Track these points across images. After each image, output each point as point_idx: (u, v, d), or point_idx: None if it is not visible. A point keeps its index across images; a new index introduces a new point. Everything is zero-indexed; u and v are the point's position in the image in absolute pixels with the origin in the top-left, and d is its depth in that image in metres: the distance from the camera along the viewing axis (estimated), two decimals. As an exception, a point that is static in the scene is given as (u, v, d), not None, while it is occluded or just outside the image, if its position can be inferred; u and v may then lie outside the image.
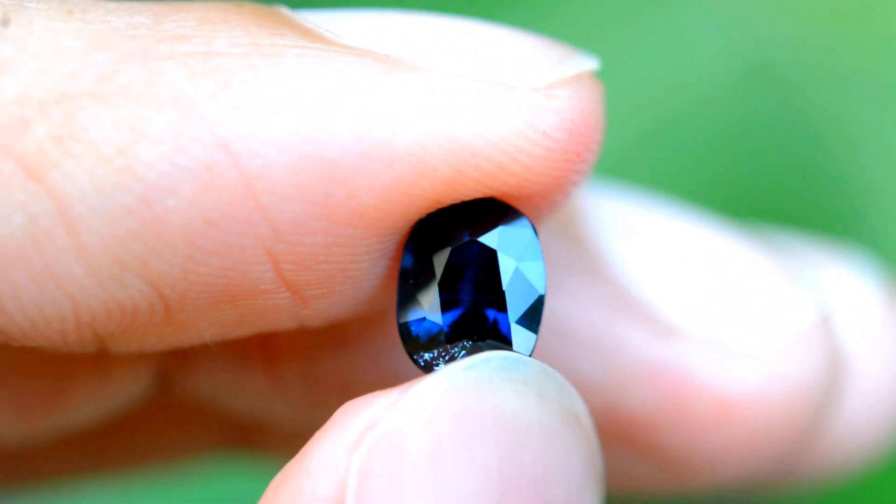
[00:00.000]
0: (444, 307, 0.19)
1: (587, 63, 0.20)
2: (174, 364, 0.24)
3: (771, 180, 0.49)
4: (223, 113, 0.18)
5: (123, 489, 0.29)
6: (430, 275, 0.20)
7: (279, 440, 0.27)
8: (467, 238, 0.20)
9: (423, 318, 0.20)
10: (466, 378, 0.18)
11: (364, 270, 0.19)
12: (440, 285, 0.19)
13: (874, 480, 0.45)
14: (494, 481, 0.18)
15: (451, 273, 0.19)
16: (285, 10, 0.20)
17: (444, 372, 0.18)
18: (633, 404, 0.22)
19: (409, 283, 0.20)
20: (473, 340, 0.20)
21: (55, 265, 0.18)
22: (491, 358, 0.18)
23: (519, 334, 0.20)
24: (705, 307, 0.23)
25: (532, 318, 0.20)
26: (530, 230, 0.20)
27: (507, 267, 0.20)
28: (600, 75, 0.21)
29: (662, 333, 0.23)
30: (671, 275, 0.24)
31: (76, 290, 0.18)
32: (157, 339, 0.20)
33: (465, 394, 0.18)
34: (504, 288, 0.20)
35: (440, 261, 0.20)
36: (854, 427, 0.26)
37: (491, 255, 0.20)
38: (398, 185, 0.19)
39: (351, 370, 0.24)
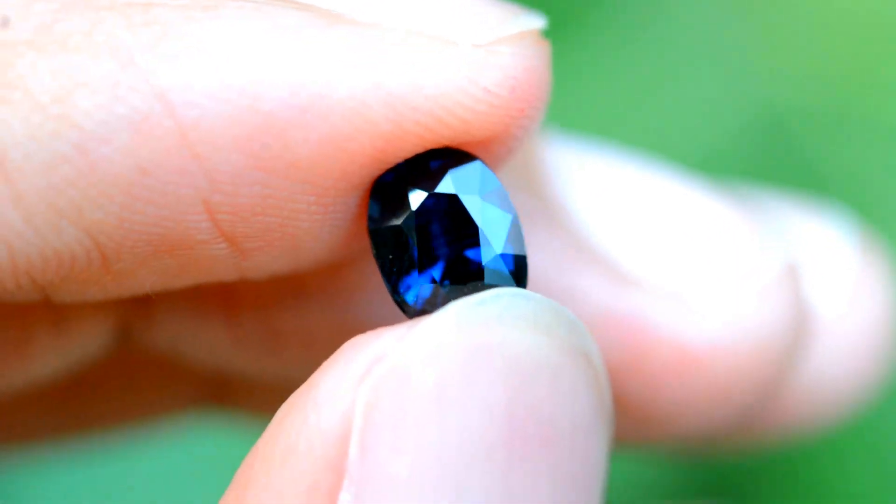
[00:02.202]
0: (426, 265, 0.20)
1: (533, 21, 0.20)
2: (134, 316, 0.24)
3: None
4: (160, 63, 0.18)
5: (107, 451, 0.30)
6: (402, 240, 0.20)
7: (248, 397, 0.27)
8: (426, 194, 0.20)
9: (412, 287, 0.20)
10: (476, 314, 0.18)
11: (306, 229, 0.20)
12: (418, 247, 0.20)
13: (849, 435, 0.46)
14: (500, 418, 0.18)
15: (423, 233, 0.20)
16: None
17: (453, 308, 0.18)
18: None
19: (385, 256, 0.20)
20: (465, 284, 0.20)
21: None
22: (501, 294, 0.19)
23: (503, 264, 0.20)
24: (667, 257, 0.24)
25: (516, 242, 0.20)
26: (480, 164, 0.20)
27: (472, 205, 0.20)
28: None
29: (622, 283, 0.23)
30: (633, 226, 0.24)
31: (12, 237, 0.18)
32: (98, 289, 0.20)
33: (473, 330, 0.18)
34: (478, 224, 0.20)
35: (408, 225, 0.20)
36: (824, 381, 0.26)
37: (453, 200, 0.20)
38: (335, 139, 0.19)
39: (315, 323, 0.24)
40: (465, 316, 0.18)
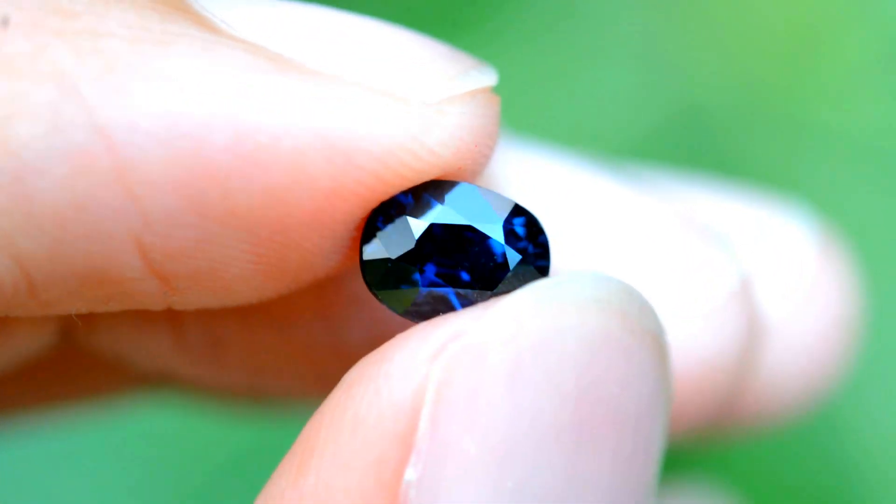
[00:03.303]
0: (453, 283, 0.19)
1: (485, 78, 0.20)
2: (81, 322, 0.24)
3: None
4: (104, 97, 0.18)
5: (57, 427, 0.29)
6: (411, 269, 0.19)
7: (195, 387, 0.27)
8: (427, 223, 0.19)
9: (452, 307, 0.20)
10: (552, 296, 0.18)
11: (237, 274, 0.19)
12: (437, 269, 0.19)
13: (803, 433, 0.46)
14: (571, 400, 0.18)
15: (439, 253, 0.19)
16: None
17: (530, 289, 0.18)
18: None
19: (391, 284, 0.20)
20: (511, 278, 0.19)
21: None
22: (576, 277, 0.18)
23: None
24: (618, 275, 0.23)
25: (532, 230, 0.20)
26: (465, 185, 0.20)
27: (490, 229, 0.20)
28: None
29: None
30: (574, 238, 0.23)
31: None
32: (24, 310, 0.19)
33: (549, 312, 0.18)
34: (488, 234, 0.20)
35: (418, 253, 0.19)
36: (780, 379, 0.25)
37: (459, 231, 0.19)
38: (275, 192, 0.18)
39: (257, 332, 0.24)
40: (543, 298, 0.18)
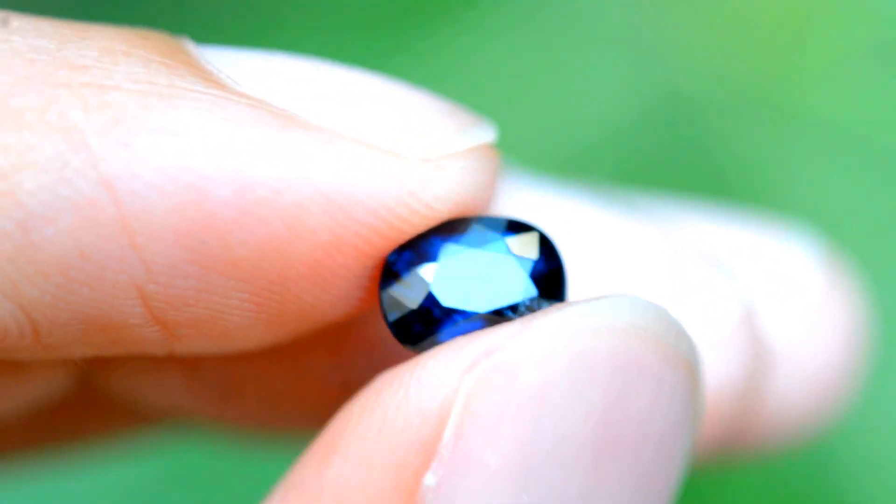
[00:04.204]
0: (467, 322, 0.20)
1: (483, 135, 0.20)
2: (93, 365, 0.24)
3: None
4: (110, 150, 0.18)
5: (74, 466, 0.29)
6: (429, 314, 0.20)
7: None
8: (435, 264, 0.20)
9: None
10: (588, 318, 0.18)
11: (238, 323, 0.20)
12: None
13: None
14: (596, 424, 0.18)
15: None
16: (189, 45, 0.20)
17: (568, 311, 0.19)
18: None
19: (412, 328, 0.20)
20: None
21: None
22: (613, 300, 0.19)
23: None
24: None
25: (545, 258, 0.20)
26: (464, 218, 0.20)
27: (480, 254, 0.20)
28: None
29: None
30: (577, 272, 0.23)
31: None
32: (27, 355, 0.20)
33: (585, 335, 0.18)
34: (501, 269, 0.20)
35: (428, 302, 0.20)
36: (789, 405, 0.25)
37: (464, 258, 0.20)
38: (274, 243, 0.19)
39: (271, 378, 0.24)
40: (578, 320, 0.18)
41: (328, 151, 0.19)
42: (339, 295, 0.20)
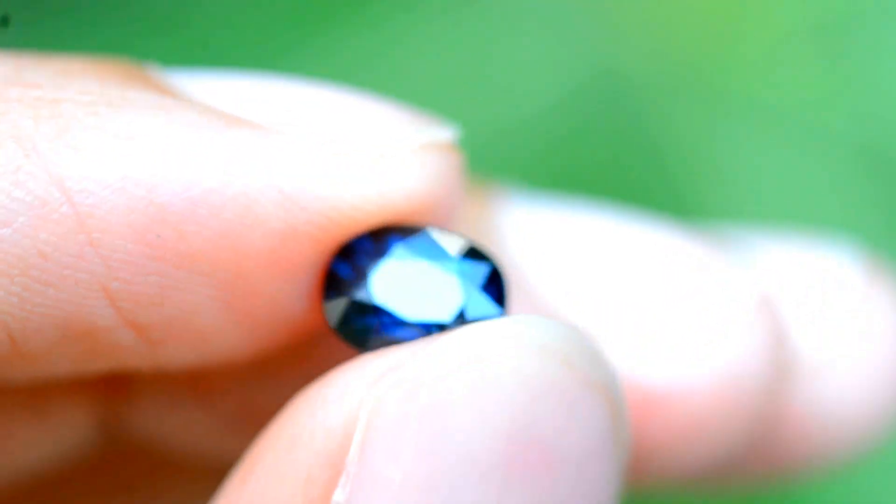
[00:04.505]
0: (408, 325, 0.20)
1: (441, 133, 0.20)
2: (114, 403, 0.24)
3: (604, 191, 0.49)
4: (60, 153, 0.19)
5: None
6: (369, 314, 0.20)
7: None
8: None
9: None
10: (493, 338, 0.18)
11: (209, 323, 0.20)
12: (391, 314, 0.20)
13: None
14: (502, 442, 0.18)
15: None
16: (151, 69, 0.21)
17: (475, 330, 0.19)
18: None
19: (354, 332, 0.20)
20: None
21: None
22: (523, 321, 0.19)
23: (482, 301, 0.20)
24: (625, 303, 0.23)
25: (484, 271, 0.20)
26: (422, 230, 0.20)
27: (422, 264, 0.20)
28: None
29: None
30: (586, 276, 0.23)
31: None
32: (14, 370, 0.20)
33: (489, 354, 0.18)
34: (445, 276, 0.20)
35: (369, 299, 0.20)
36: (828, 420, 0.25)
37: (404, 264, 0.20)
38: (227, 234, 0.19)
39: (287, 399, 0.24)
40: (483, 339, 0.18)
41: (272, 144, 0.20)
42: (303, 289, 0.20)
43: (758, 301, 0.23)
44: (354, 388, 0.19)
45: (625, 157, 0.52)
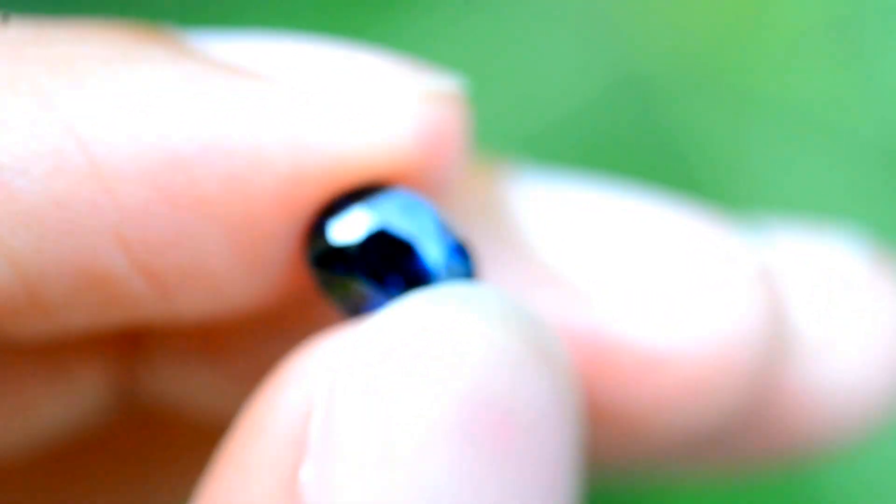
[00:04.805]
0: (382, 290, 0.20)
1: (444, 84, 0.21)
2: (131, 364, 0.25)
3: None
4: (75, 104, 0.20)
5: None
6: (349, 273, 0.21)
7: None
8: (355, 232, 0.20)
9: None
10: (434, 308, 0.19)
11: (223, 271, 0.21)
12: (368, 277, 0.20)
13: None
14: (453, 409, 0.18)
15: (367, 263, 0.20)
16: (170, 31, 0.21)
17: (411, 301, 0.19)
18: None
19: (336, 292, 0.21)
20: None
21: None
22: (460, 290, 0.19)
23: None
24: (627, 270, 0.23)
25: (450, 236, 0.21)
26: (406, 193, 0.21)
27: (400, 225, 0.20)
28: (471, 93, 0.22)
29: (578, 298, 0.23)
30: (591, 245, 0.24)
31: None
32: (29, 322, 0.21)
33: (431, 323, 0.19)
34: (411, 238, 0.20)
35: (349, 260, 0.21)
36: (826, 400, 0.25)
37: (378, 230, 0.20)
38: (237, 176, 0.20)
39: None
40: (424, 309, 0.19)
41: (278, 91, 0.20)
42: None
43: (758, 273, 0.23)
44: (310, 368, 0.19)
45: (649, 158, 0.52)
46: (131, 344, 0.24)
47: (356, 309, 0.21)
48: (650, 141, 0.52)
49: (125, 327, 0.23)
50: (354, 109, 0.20)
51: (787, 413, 0.25)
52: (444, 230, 0.21)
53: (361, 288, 0.21)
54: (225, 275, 0.21)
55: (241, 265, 0.21)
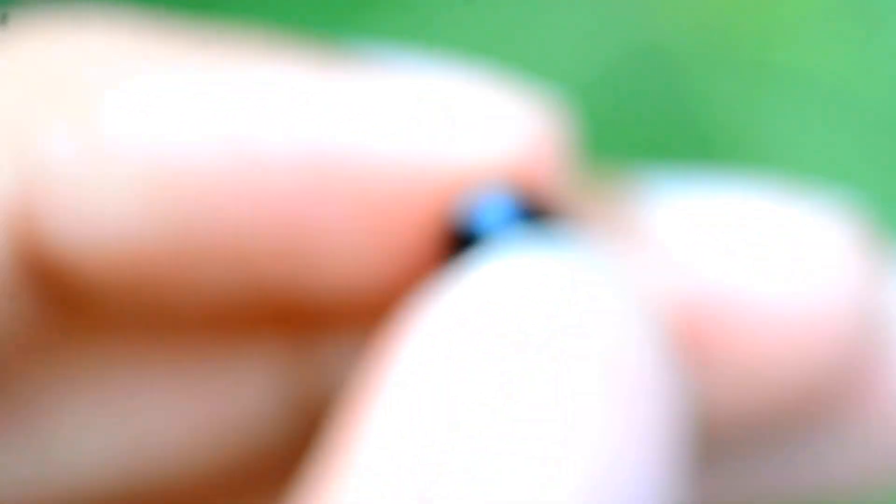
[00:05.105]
0: None
1: (545, 101, 0.23)
2: (301, 355, 0.25)
3: (644, 163, 0.50)
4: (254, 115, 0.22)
5: None
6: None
7: None
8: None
9: None
10: (525, 260, 0.20)
11: (360, 250, 0.22)
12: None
13: None
14: (556, 360, 0.19)
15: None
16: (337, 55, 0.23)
17: (503, 256, 0.20)
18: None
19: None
20: None
21: None
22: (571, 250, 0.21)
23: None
24: (738, 249, 0.24)
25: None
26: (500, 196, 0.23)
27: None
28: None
29: (699, 273, 0.24)
30: (703, 226, 0.25)
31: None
32: (191, 299, 0.23)
33: (525, 273, 0.20)
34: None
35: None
36: None
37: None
38: (386, 177, 0.22)
39: None
40: (514, 262, 0.20)
41: (425, 115, 0.22)
42: (421, 241, 0.22)
43: (852, 242, 0.25)
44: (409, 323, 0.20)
45: (665, 127, 0.52)
46: (301, 339, 0.25)
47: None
48: (666, 109, 0.52)
49: (276, 310, 0.24)
50: (475, 124, 0.22)
51: (879, 400, 0.25)
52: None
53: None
54: (361, 255, 0.22)
55: (376, 248, 0.22)
